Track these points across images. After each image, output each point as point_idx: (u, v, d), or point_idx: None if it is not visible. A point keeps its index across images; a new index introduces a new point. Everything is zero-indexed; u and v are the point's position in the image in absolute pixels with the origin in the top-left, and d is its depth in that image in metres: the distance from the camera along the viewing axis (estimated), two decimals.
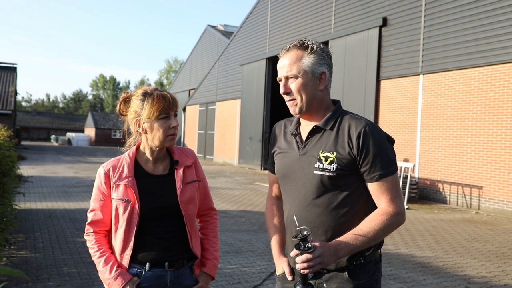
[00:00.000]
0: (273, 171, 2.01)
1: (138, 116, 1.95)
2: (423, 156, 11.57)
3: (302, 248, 1.58)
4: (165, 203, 1.96)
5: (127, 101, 2.02)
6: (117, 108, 2.04)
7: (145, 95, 1.94)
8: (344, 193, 1.75)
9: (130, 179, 1.94)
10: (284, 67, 1.79)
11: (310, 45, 1.77)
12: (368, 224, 1.70)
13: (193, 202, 2.02)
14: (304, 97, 1.77)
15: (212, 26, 28.88)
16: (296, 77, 1.76)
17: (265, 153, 19.33)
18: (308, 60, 1.76)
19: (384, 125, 12.57)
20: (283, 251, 1.96)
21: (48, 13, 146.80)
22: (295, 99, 1.78)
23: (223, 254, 5.74)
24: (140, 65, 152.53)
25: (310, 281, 1.66)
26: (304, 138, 1.84)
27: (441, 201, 11.08)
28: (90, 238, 1.97)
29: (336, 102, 1.88)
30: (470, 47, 10.33)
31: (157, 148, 1.99)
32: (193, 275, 2.04)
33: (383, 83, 12.82)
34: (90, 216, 1.98)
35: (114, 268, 1.91)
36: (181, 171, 2.01)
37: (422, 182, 11.57)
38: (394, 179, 1.74)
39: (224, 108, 23.10)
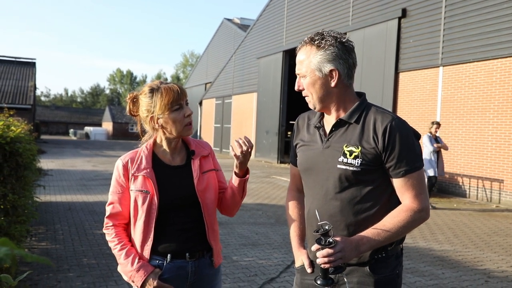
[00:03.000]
0: (295, 164, 1.98)
1: (151, 114, 1.94)
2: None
3: (323, 243, 1.57)
4: (183, 193, 1.96)
5: (135, 101, 2.01)
6: (127, 109, 2.04)
7: (152, 91, 1.93)
8: (368, 188, 1.72)
9: (148, 170, 1.94)
10: (297, 64, 1.79)
11: (317, 41, 1.73)
12: (391, 220, 1.67)
13: (210, 190, 2.02)
14: (314, 95, 1.76)
15: (229, 19, 28.78)
16: (304, 76, 1.76)
17: (281, 147, 19.28)
18: (315, 58, 1.72)
19: (403, 117, 12.35)
20: (303, 243, 1.94)
21: (64, 8, 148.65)
22: (308, 96, 1.79)
23: (239, 247, 5.76)
24: (157, 59, 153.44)
25: (331, 276, 1.64)
26: (327, 131, 1.81)
27: (460, 195, 10.92)
28: (109, 232, 1.97)
29: (361, 95, 1.84)
30: (492, 38, 10.09)
31: (175, 139, 2.00)
32: (213, 265, 2.04)
33: (401, 75, 12.65)
34: (108, 210, 1.98)
35: (136, 260, 1.91)
36: (197, 161, 2.02)
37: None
38: (419, 175, 1.71)
39: (241, 102, 23.08)
